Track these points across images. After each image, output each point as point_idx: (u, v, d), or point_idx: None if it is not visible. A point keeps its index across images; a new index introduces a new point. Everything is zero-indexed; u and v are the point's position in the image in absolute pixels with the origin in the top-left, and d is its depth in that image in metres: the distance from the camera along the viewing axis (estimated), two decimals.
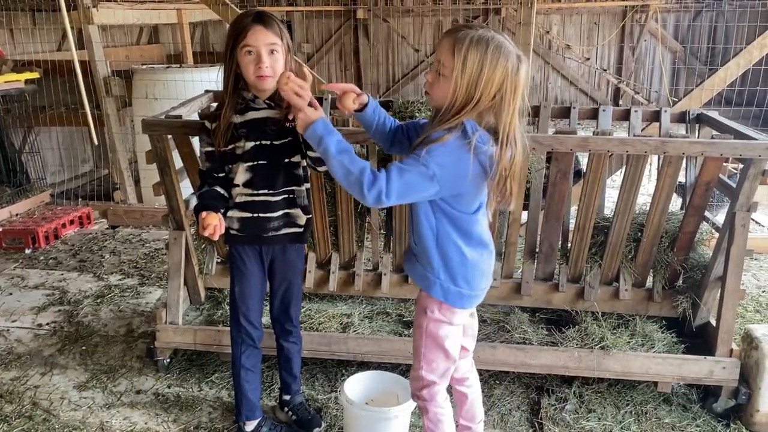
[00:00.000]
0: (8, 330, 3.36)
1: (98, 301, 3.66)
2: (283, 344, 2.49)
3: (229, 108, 2.13)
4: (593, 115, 3.09)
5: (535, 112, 3.12)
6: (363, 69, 10.18)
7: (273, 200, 2.22)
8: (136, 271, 4.06)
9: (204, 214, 2.10)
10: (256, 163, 2.18)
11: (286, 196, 2.25)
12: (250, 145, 2.16)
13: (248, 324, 2.34)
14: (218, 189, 2.20)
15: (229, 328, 2.80)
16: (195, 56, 7.02)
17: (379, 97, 3.22)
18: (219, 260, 3.15)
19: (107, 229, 4.94)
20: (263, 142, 2.17)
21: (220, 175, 2.22)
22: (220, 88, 4.68)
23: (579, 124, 3.08)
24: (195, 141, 2.80)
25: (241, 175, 2.19)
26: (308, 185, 2.33)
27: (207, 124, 2.20)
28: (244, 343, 2.37)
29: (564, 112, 3.12)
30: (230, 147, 2.16)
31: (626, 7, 9.56)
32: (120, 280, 3.94)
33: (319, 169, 2.19)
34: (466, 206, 1.87)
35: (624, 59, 9.88)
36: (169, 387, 2.84)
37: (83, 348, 3.17)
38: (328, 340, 2.77)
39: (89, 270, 4.09)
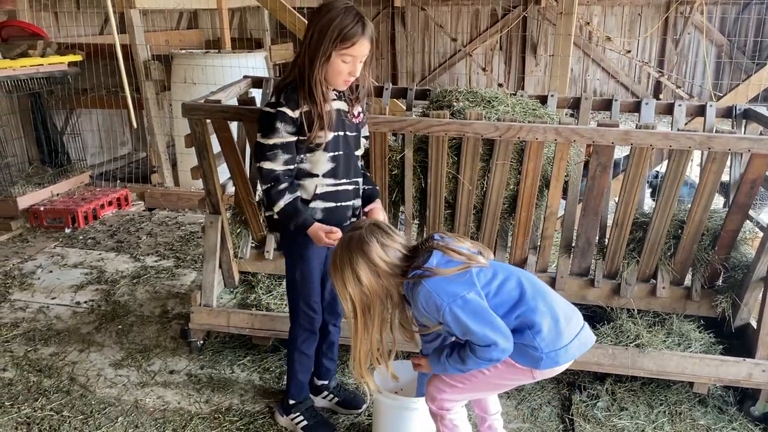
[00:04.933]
0: (48, 307, 3.45)
1: (134, 281, 3.73)
2: (331, 329, 2.51)
3: (326, 98, 2.10)
4: (635, 108, 3.03)
5: (575, 104, 3.07)
6: (399, 57, 10.14)
7: (350, 189, 2.28)
8: (172, 254, 4.12)
9: (325, 228, 2.16)
10: (338, 153, 2.20)
11: (355, 186, 2.30)
12: (331, 135, 2.16)
13: (309, 309, 2.37)
14: (299, 194, 2.18)
15: (263, 312, 2.87)
16: (233, 42, 7.06)
17: (416, 86, 3.21)
18: (253, 245, 3.18)
19: (144, 211, 5.03)
20: (341, 133, 2.20)
21: (295, 167, 2.16)
22: (257, 73, 4.70)
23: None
24: (233, 126, 2.83)
25: (323, 165, 2.19)
26: None
27: (289, 112, 2.08)
28: (302, 328, 2.39)
29: (605, 105, 3.07)
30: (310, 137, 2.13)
31: None
32: (156, 261, 4.01)
33: None
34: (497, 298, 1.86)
35: (666, 52, 9.64)
36: (201, 368, 2.88)
37: (119, 327, 3.24)
38: None
39: (126, 251, 4.17)
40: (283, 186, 2.13)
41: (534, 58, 9.99)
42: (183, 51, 5.44)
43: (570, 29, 4.25)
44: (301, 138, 2.12)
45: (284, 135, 2.10)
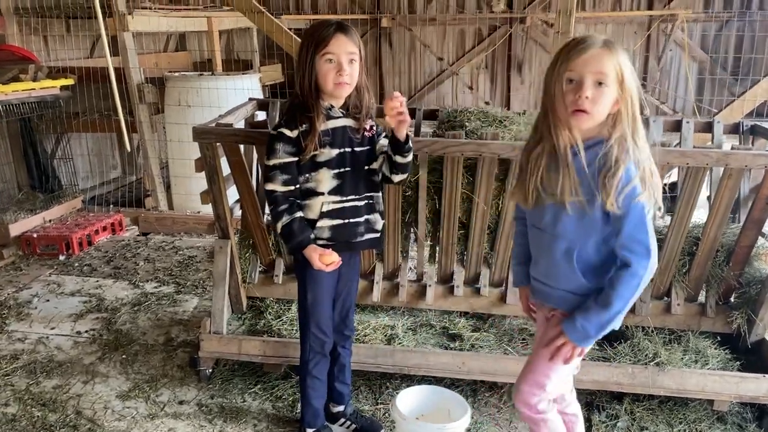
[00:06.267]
0: (48, 337, 3.34)
1: (135, 308, 3.64)
2: (341, 351, 2.47)
3: (320, 115, 2.13)
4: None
5: None
6: (385, 77, 10.16)
7: (359, 205, 2.24)
8: (171, 279, 4.03)
9: (319, 250, 2.15)
10: (342, 170, 2.18)
11: (367, 201, 2.27)
12: (335, 152, 2.17)
13: (320, 332, 2.33)
14: (300, 214, 2.18)
15: (275, 339, 2.81)
16: (222, 64, 7.04)
17: (423, 106, 3.19)
18: (261, 269, 3.12)
19: (139, 236, 4.93)
20: (347, 150, 2.19)
21: (296, 187, 2.17)
22: (253, 95, 4.67)
23: None
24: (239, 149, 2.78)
25: (327, 182, 2.18)
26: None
27: (288, 132, 2.14)
28: (313, 351, 2.35)
29: None
30: (310, 155, 2.15)
31: (651, 16, 9.49)
32: (156, 287, 3.92)
33: (395, 179, 2.27)
34: None
35: (648, 69, 9.79)
36: (212, 398, 2.80)
37: (123, 356, 3.14)
38: (375, 353, 2.73)
39: (124, 277, 4.08)
40: (282, 207, 2.15)
41: (519, 76, 10.08)
42: (177, 73, 5.39)
43: None
44: (301, 157, 2.16)
45: (282, 156, 2.14)
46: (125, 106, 5.02)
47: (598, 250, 1.80)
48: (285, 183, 2.15)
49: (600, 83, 1.67)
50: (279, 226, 2.17)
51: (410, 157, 2.24)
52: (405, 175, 2.29)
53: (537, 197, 1.81)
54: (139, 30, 5.13)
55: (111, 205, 5.27)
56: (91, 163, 5.95)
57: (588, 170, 1.71)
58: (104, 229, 4.77)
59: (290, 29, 6.54)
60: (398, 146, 2.18)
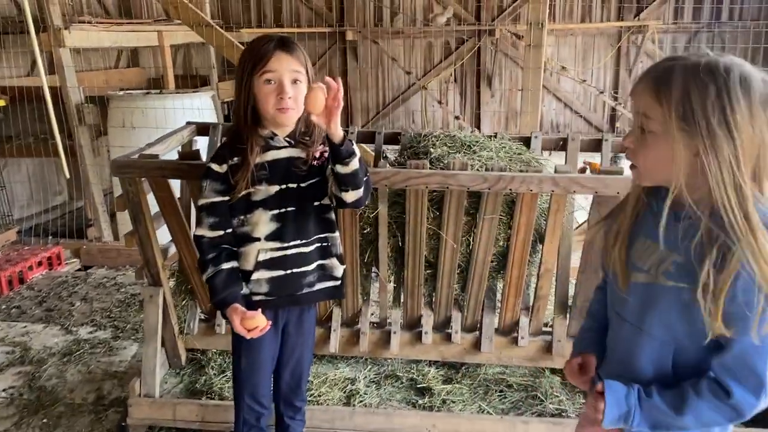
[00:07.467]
0: None
1: (65, 359, 3.21)
2: (290, 424, 2.11)
3: (254, 147, 1.78)
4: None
5: (562, 144, 2.78)
6: (352, 92, 9.85)
7: (306, 251, 1.87)
8: (110, 322, 3.61)
9: (240, 312, 1.76)
10: (283, 210, 1.82)
11: (319, 245, 1.90)
12: (274, 189, 1.81)
13: (255, 403, 1.99)
14: (230, 265, 1.82)
15: (215, 402, 2.44)
16: (177, 80, 6.64)
17: (368, 123, 2.86)
18: (202, 317, 2.74)
19: (79, 270, 4.50)
20: (290, 186, 1.83)
21: (226, 232, 1.82)
22: (204, 115, 4.25)
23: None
24: (174, 183, 2.43)
25: (265, 226, 1.82)
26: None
27: (216, 167, 1.81)
28: (247, 424, 2.01)
29: (595, 145, 2.78)
30: (244, 193, 1.80)
31: (622, 28, 9.35)
32: (91, 333, 3.50)
33: (348, 197, 1.81)
34: None
35: (620, 81, 9.65)
36: None
37: (44, 420, 2.72)
38: (332, 416, 2.37)
39: (57, 321, 3.65)
40: (208, 256, 1.81)
41: (489, 89, 9.85)
42: (120, 92, 4.98)
43: (539, 62, 4.00)
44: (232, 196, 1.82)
45: (209, 195, 1.82)
46: (64, 129, 4.59)
47: (703, 357, 1.26)
48: (212, 227, 1.81)
49: (642, 129, 1.20)
50: (204, 278, 1.83)
51: (354, 165, 1.76)
52: (358, 192, 1.81)
53: (622, 271, 1.32)
54: (77, 46, 4.72)
55: (51, 236, 4.82)
56: (31, 190, 5.49)
57: (691, 250, 1.18)
58: (39, 264, 4.33)
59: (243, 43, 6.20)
60: (335, 151, 1.75)
